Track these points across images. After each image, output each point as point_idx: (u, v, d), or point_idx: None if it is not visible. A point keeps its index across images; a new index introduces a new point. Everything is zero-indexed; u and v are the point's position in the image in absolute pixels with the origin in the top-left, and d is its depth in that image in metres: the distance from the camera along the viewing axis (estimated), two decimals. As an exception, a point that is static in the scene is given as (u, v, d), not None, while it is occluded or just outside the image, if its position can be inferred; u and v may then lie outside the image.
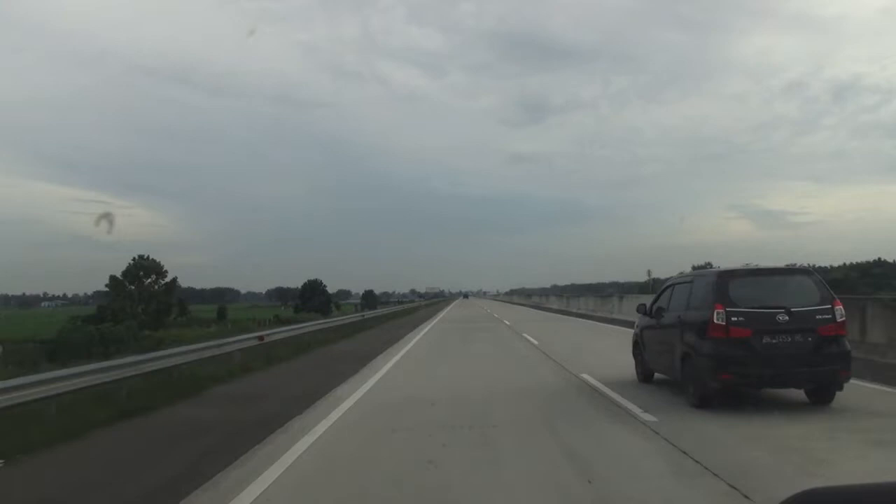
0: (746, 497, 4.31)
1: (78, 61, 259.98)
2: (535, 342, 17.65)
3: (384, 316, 39.75)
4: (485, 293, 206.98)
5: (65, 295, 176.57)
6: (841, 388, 7.49)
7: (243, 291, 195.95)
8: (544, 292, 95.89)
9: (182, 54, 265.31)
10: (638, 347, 10.21)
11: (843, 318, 7.45)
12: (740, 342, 7.33)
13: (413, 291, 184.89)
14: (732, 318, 7.38)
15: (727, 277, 7.79)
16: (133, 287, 67.29)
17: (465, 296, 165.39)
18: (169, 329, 59.41)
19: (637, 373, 10.15)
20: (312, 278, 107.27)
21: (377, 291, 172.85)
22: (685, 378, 8.10)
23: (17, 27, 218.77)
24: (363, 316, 31.63)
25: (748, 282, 7.85)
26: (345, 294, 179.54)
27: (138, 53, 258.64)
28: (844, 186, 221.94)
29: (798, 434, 6.17)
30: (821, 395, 7.65)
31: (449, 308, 62.64)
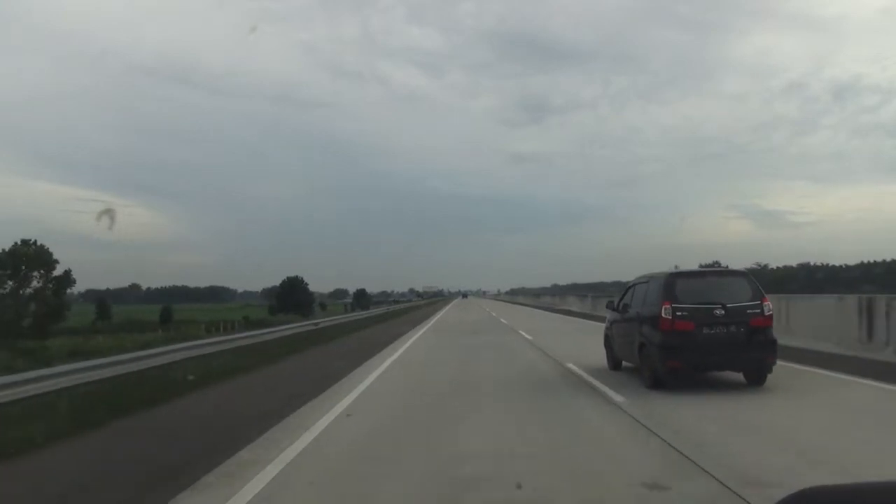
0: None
1: (78, 61, 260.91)
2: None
3: (363, 321, 32.87)
4: (484, 293, 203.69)
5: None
6: (770, 371, 8.89)
7: (239, 290, 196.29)
8: (545, 292, 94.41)
9: (182, 54, 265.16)
10: (608, 339, 11.60)
11: (771, 313, 8.85)
12: (684, 333, 8.72)
13: (412, 291, 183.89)
14: (678, 313, 8.77)
15: (674, 278, 9.18)
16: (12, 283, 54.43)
17: (464, 295, 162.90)
18: (57, 338, 48.12)
19: (608, 361, 11.53)
20: (293, 275, 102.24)
21: (375, 291, 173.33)
22: (642, 364, 9.49)
23: (16, 27, 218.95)
24: (316, 325, 24.15)
25: (692, 282, 9.25)
26: (342, 293, 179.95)
27: (138, 53, 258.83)
28: (844, 186, 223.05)
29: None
30: (755, 377, 9.04)
31: (446, 309, 58.58)
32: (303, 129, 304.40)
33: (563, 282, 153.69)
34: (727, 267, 14.02)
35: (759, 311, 8.76)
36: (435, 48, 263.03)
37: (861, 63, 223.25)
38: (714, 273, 9.61)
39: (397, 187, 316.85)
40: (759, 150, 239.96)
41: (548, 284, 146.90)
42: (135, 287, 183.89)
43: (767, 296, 9.06)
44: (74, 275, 58.98)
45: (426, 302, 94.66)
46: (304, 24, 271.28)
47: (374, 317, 39.37)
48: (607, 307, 11.88)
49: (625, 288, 11.45)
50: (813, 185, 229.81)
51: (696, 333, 8.68)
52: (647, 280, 10.04)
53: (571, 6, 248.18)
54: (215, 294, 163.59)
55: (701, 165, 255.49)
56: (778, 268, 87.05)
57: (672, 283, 9.09)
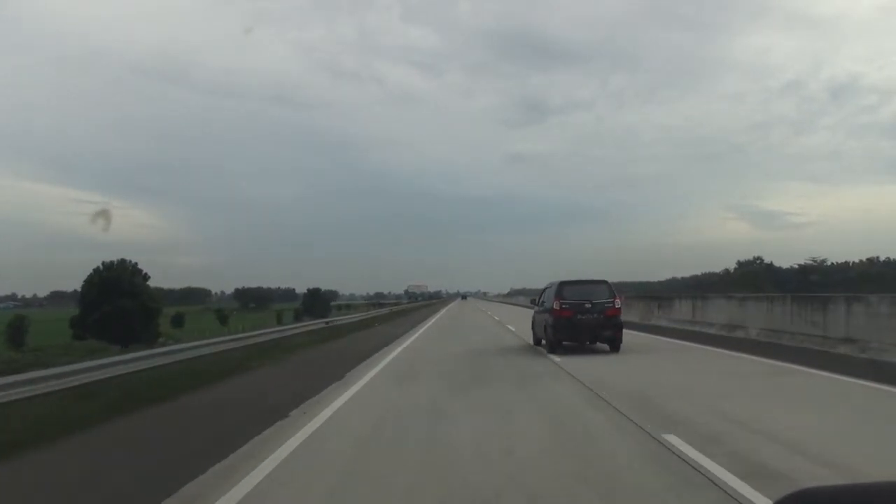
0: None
1: (77, 62, 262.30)
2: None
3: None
4: (484, 294, 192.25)
5: (15, 295, 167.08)
6: (621, 341, 14.30)
7: (214, 291, 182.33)
8: None
9: (178, 54, 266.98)
10: (533, 324, 17.00)
11: (620, 306, 14.32)
12: (567, 319, 14.13)
13: (407, 292, 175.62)
14: (563, 306, 14.18)
15: (562, 285, 14.61)
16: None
17: (464, 297, 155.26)
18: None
19: (532, 340, 16.89)
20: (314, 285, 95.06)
21: (372, 292, 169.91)
22: (546, 339, 14.91)
23: (15, 27, 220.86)
24: None
25: (573, 287, 14.67)
26: (332, 295, 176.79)
27: (136, 54, 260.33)
28: (842, 187, 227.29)
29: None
30: (612, 346, 14.43)
31: (438, 316, 43.55)
32: (301, 129, 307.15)
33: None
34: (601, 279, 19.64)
35: (612, 305, 14.22)
36: (433, 48, 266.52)
37: (859, 62, 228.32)
38: (587, 281, 15.04)
39: (395, 188, 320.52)
40: (756, 150, 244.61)
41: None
42: None
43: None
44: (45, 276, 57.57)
45: (413, 306, 73.74)
46: (301, 24, 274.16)
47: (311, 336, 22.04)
48: (532, 302, 17.34)
49: (541, 290, 16.90)
50: (811, 185, 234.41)
51: (573, 318, 14.11)
52: (549, 286, 15.47)
53: (570, 5, 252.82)
54: (188, 296, 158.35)
55: (699, 165, 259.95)
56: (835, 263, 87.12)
57: (561, 287, 14.54)
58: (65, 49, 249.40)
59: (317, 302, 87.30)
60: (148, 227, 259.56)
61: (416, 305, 76.38)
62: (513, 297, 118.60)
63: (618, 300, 14.41)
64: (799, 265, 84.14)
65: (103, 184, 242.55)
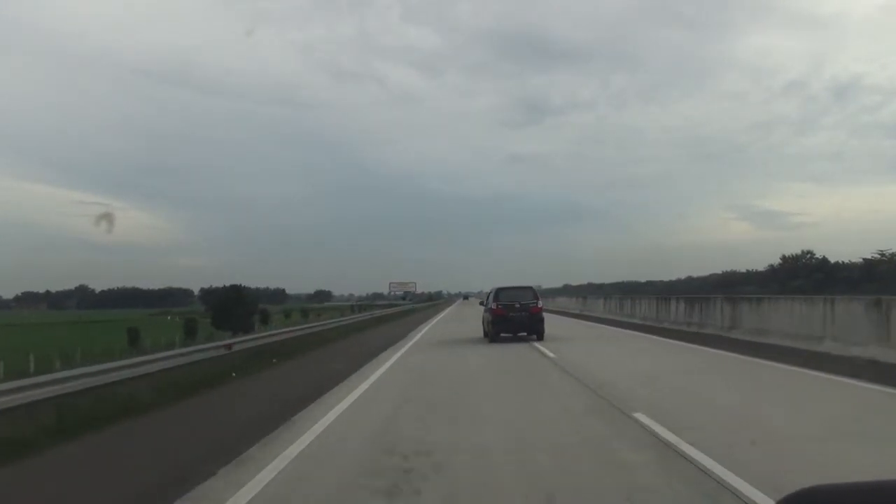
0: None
1: (75, 63, 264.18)
2: None
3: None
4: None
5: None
6: (544, 332, 18.78)
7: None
8: (554, 293, 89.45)
9: (177, 54, 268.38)
10: (483, 322, 21.48)
11: (542, 305, 18.87)
12: (502, 315, 18.62)
13: (407, 292, 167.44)
14: (500, 306, 18.68)
15: (499, 290, 19.16)
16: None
17: (466, 297, 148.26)
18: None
19: (483, 335, 21.35)
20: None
21: (368, 293, 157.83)
22: (488, 332, 19.41)
23: (14, 27, 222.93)
24: None
25: (507, 291, 19.18)
26: (325, 295, 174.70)
27: (136, 55, 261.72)
28: (844, 187, 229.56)
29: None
30: (537, 337, 18.87)
31: (421, 333, 25.37)
32: (300, 129, 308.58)
33: (559, 282, 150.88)
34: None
35: (535, 304, 18.72)
36: (433, 48, 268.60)
37: (861, 62, 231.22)
38: (517, 287, 19.55)
39: (395, 188, 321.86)
40: (758, 150, 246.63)
41: (558, 285, 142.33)
42: (82, 289, 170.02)
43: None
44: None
45: (399, 311, 56.19)
46: (301, 24, 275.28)
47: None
48: (480, 304, 21.91)
49: (486, 294, 21.42)
50: (812, 185, 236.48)
51: (506, 315, 18.60)
52: (491, 291, 19.98)
53: (570, 5, 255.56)
54: (165, 297, 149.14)
55: (700, 166, 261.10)
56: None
57: (498, 292, 19.07)
58: (65, 50, 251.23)
59: (234, 306, 52.28)
60: (150, 227, 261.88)
61: (398, 311, 55.44)
62: None
63: (540, 301, 18.92)
64: (864, 259, 73.53)
65: (94, 183, 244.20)
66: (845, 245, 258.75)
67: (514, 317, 18.59)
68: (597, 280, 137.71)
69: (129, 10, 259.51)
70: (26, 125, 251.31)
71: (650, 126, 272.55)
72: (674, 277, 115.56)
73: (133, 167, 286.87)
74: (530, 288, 19.48)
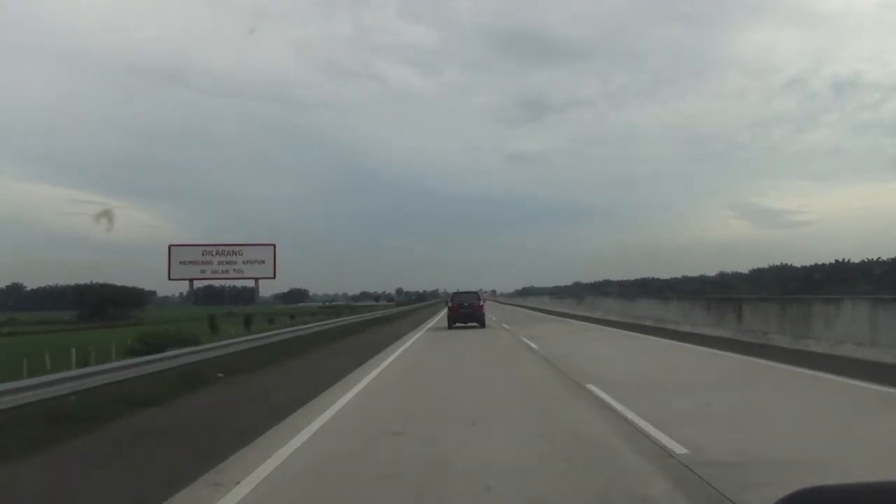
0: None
1: (75, 62, 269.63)
2: None
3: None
4: (494, 293, 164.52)
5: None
6: (484, 322, 28.07)
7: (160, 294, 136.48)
8: (558, 291, 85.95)
9: (176, 53, 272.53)
10: (447, 317, 30.76)
11: (483, 303, 28.34)
12: (455, 310, 28.02)
13: (399, 292, 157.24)
14: (454, 304, 28.09)
15: (454, 294, 28.68)
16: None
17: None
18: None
19: (448, 325, 30.56)
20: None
21: (370, 292, 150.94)
22: (449, 322, 28.74)
23: (13, 27, 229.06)
24: None
25: (459, 295, 28.67)
26: (300, 295, 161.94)
27: (135, 54, 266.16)
28: (844, 185, 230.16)
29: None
30: (481, 325, 28.12)
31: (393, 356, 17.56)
32: (299, 128, 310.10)
33: (563, 282, 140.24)
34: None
35: (478, 303, 28.14)
36: (431, 46, 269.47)
37: (861, 59, 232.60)
38: (466, 292, 28.91)
39: (394, 187, 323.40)
40: (758, 148, 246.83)
41: (568, 282, 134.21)
42: (16, 287, 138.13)
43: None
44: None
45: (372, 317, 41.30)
46: (298, 22, 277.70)
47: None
48: (445, 304, 31.41)
49: (450, 295, 30.79)
50: (813, 183, 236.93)
51: (459, 310, 27.97)
52: (450, 293, 29.36)
53: (569, 2, 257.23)
54: (133, 296, 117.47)
55: (700, 164, 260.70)
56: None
57: (453, 295, 28.65)
58: (63, 49, 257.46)
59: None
60: (149, 226, 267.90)
61: (372, 317, 40.62)
62: (513, 298, 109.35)
63: (481, 301, 28.31)
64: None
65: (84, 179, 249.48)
66: (845, 243, 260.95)
67: (464, 312, 27.88)
68: (597, 280, 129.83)
69: (127, 7, 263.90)
70: (25, 123, 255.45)
71: (649, 123, 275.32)
72: (677, 275, 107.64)
73: (129, 164, 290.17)
74: (475, 293, 28.99)
